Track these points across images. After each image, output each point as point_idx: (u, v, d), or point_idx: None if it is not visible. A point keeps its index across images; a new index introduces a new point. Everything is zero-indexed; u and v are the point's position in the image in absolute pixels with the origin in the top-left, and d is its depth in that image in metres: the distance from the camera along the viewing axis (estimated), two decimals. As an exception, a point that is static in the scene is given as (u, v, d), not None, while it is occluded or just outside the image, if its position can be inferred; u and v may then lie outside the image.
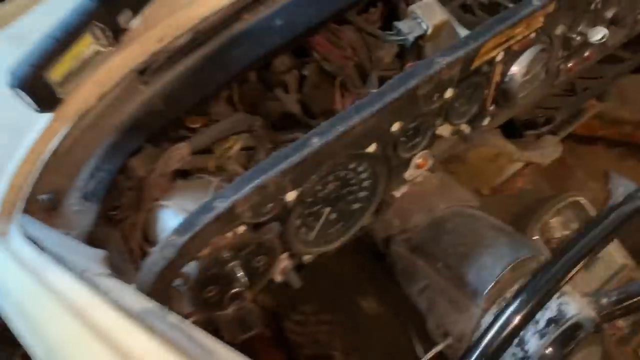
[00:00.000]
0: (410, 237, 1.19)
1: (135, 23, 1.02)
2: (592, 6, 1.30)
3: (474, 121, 1.28)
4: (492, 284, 1.03)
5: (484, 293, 1.03)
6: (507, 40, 1.15)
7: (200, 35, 1.13)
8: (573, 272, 0.80)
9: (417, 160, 1.19)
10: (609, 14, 1.34)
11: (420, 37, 1.21)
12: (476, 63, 1.13)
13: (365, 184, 1.16)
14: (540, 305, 0.81)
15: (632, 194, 0.87)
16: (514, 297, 0.82)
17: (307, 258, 1.19)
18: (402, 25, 1.20)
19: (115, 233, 1.11)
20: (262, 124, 1.28)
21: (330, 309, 1.96)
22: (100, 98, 1.07)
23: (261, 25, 1.16)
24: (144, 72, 1.11)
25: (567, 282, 0.81)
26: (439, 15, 1.18)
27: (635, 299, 1.07)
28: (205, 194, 1.08)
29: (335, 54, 1.36)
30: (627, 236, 1.48)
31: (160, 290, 0.97)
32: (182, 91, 1.11)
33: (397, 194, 1.25)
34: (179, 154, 1.11)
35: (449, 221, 1.15)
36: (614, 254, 1.85)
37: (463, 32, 1.24)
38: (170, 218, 1.08)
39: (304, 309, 1.93)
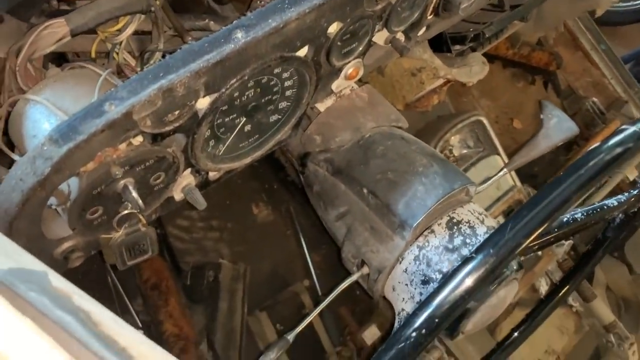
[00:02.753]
0: (333, 157, 1.05)
1: None
2: None
3: (410, 30, 1.13)
4: (423, 216, 0.94)
5: (413, 225, 0.94)
6: (464, -62, 1.00)
7: None
8: (545, 226, 0.71)
9: (349, 69, 1.03)
10: None
11: None
12: (429, -40, 0.97)
13: (289, 93, 0.98)
14: (503, 263, 0.72)
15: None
16: (475, 252, 0.73)
17: (213, 175, 1.02)
18: None
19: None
20: (163, 3, 1.04)
21: (219, 215, 1.84)
22: None
23: None
24: None
25: (535, 239, 0.72)
26: None
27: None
28: (90, 90, 0.85)
29: None
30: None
31: (30, 212, 0.76)
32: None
33: (322, 106, 1.09)
34: (54, 34, 0.85)
35: (378, 144, 1.02)
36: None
37: None
38: (41, 117, 0.84)
39: (190, 213, 1.78)
